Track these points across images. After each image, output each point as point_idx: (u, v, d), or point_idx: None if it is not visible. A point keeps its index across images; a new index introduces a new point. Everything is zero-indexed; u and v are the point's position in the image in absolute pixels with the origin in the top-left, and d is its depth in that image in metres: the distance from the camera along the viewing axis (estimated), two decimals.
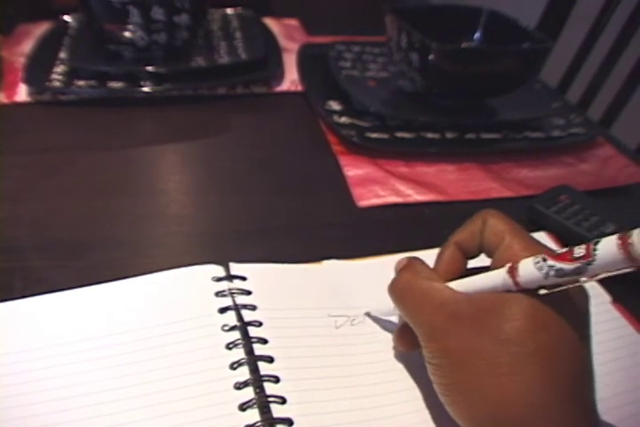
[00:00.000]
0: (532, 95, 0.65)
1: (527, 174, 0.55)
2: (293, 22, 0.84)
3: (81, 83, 0.61)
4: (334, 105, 0.61)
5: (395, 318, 0.36)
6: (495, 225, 0.30)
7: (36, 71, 0.61)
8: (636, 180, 0.55)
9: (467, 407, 0.27)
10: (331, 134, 0.57)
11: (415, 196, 0.50)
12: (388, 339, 0.35)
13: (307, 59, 0.69)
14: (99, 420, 0.29)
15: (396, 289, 0.31)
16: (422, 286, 0.29)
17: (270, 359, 0.32)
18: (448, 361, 0.27)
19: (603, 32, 0.92)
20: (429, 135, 0.57)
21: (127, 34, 0.60)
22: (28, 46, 0.67)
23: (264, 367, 0.32)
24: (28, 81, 0.59)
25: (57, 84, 0.60)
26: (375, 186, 0.50)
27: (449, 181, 0.52)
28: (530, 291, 0.26)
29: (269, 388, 0.31)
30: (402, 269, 0.31)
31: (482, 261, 0.31)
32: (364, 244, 0.44)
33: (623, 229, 0.22)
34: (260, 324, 0.34)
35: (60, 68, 0.63)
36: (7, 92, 0.60)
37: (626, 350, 0.36)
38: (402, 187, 0.51)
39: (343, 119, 0.58)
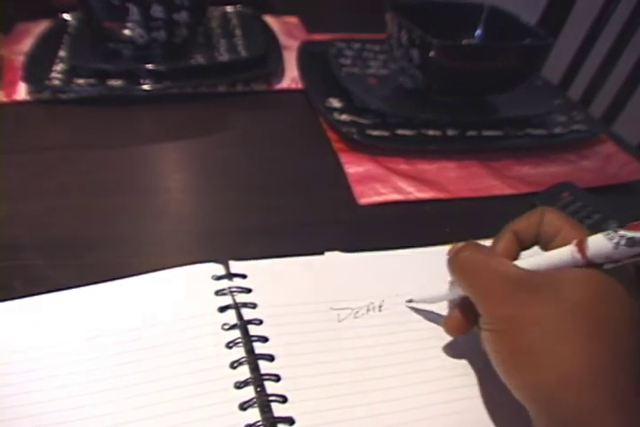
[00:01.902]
0: (534, 92, 0.64)
1: (528, 172, 0.54)
2: (293, 20, 0.84)
3: (80, 81, 0.60)
4: (335, 102, 0.60)
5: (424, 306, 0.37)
6: (554, 218, 0.31)
7: (36, 70, 0.61)
8: (638, 177, 0.55)
9: (528, 373, 0.27)
10: (331, 132, 0.57)
11: (416, 193, 0.50)
12: (395, 331, 0.35)
13: (307, 56, 0.69)
14: (99, 419, 0.29)
15: (457, 262, 0.31)
16: (484, 259, 0.30)
17: (271, 358, 0.32)
18: (512, 327, 0.27)
19: (604, 28, 0.92)
20: (430, 132, 0.57)
21: (126, 32, 0.60)
22: (27, 45, 0.66)
23: (264, 366, 0.32)
24: (27, 79, 0.59)
25: (56, 82, 0.60)
26: (376, 183, 0.50)
27: (450, 178, 0.52)
28: (596, 266, 0.27)
29: (270, 387, 0.31)
30: (461, 247, 0.31)
31: None
32: (365, 241, 0.43)
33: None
34: (261, 322, 0.34)
35: (59, 67, 0.63)
36: (7, 90, 0.60)
37: None
38: (402, 184, 0.50)
39: (344, 117, 0.58)
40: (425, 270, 0.39)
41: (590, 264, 0.27)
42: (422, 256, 0.41)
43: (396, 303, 0.37)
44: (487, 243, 0.33)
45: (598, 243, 0.26)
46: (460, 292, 0.32)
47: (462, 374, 0.33)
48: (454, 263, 0.31)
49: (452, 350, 0.34)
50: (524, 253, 0.32)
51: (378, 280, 0.38)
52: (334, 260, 0.40)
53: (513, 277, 0.28)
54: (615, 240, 0.25)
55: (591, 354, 0.25)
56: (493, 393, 0.32)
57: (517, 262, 0.30)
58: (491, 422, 0.31)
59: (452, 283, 0.33)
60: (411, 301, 0.37)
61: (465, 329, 0.32)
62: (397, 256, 0.41)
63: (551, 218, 0.31)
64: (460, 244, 0.32)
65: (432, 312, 0.37)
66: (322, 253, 0.40)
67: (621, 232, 0.25)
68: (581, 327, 0.26)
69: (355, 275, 0.39)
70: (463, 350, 0.34)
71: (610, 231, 0.26)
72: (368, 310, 0.36)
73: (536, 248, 0.32)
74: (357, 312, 0.36)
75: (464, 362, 0.34)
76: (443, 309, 0.36)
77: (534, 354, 0.26)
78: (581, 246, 0.27)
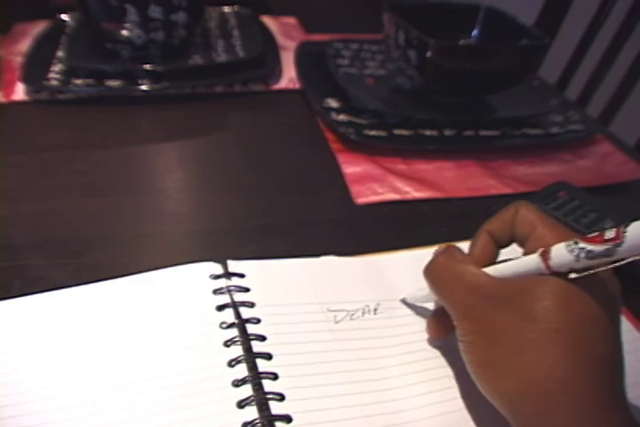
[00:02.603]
0: (531, 92, 0.65)
1: (525, 171, 0.55)
2: (291, 20, 0.84)
3: (78, 81, 0.60)
4: (332, 102, 0.60)
5: (427, 305, 0.37)
6: (527, 215, 0.30)
7: (34, 70, 0.61)
8: (634, 176, 0.55)
9: (497, 382, 0.27)
10: (329, 132, 0.57)
11: (413, 193, 0.50)
12: (389, 334, 0.35)
13: (305, 56, 0.69)
14: (97, 417, 0.29)
15: (432, 271, 0.32)
16: (457, 269, 0.30)
17: (269, 356, 0.32)
18: (479, 339, 0.28)
19: (601, 29, 0.92)
20: (427, 132, 0.57)
21: (124, 32, 0.60)
22: (25, 45, 0.66)
23: (262, 365, 0.32)
24: (25, 80, 0.59)
25: (55, 82, 0.60)
26: (373, 183, 0.50)
27: (447, 178, 0.52)
28: (561, 275, 0.27)
29: (268, 385, 0.31)
30: (438, 254, 0.32)
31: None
32: (363, 241, 0.44)
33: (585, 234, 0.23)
34: (259, 321, 0.34)
35: (57, 67, 0.63)
36: (5, 90, 0.60)
37: (625, 347, 0.36)
38: (400, 184, 0.51)
39: (341, 117, 0.58)
40: (419, 272, 0.40)
41: (555, 273, 0.27)
42: (418, 258, 0.41)
43: (391, 307, 0.37)
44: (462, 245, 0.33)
45: (560, 254, 0.26)
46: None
47: (456, 375, 0.33)
48: (427, 273, 0.32)
49: (446, 353, 0.35)
50: (504, 251, 0.32)
51: (374, 284, 0.39)
52: (331, 262, 0.40)
53: (481, 289, 0.29)
54: (575, 253, 0.25)
55: (551, 364, 0.26)
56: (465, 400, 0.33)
57: (487, 269, 0.30)
58: (485, 421, 0.31)
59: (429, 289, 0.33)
60: (404, 299, 0.38)
61: (443, 333, 0.33)
62: (393, 260, 0.41)
63: (525, 215, 0.30)
64: (439, 247, 0.33)
65: (427, 314, 0.37)
66: (319, 253, 0.40)
67: (581, 245, 0.25)
68: (541, 337, 0.26)
69: (351, 278, 0.39)
70: (457, 352, 0.35)
71: (571, 243, 0.26)
72: (364, 313, 0.36)
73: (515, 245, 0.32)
74: (353, 314, 0.36)
75: (458, 363, 0.34)
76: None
77: (498, 365, 0.27)
78: (545, 257, 0.27)
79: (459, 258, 0.31)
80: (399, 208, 0.48)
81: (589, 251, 0.25)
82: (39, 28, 0.71)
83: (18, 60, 0.63)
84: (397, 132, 0.57)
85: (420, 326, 0.36)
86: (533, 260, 0.28)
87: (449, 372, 0.34)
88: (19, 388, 0.30)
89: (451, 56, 0.54)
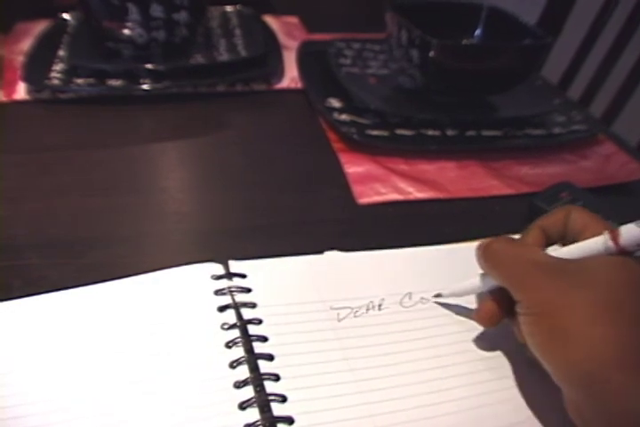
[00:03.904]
0: (533, 92, 0.64)
1: (528, 172, 0.54)
2: (293, 20, 0.84)
3: (80, 81, 0.60)
4: (334, 102, 0.60)
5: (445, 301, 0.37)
6: (580, 215, 0.32)
7: (35, 69, 0.61)
8: (637, 177, 0.55)
9: (565, 352, 0.27)
10: (331, 132, 0.57)
11: (415, 193, 0.50)
12: (395, 330, 0.35)
13: (307, 56, 0.69)
14: (99, 418, 0.29)
15: (490, 254, 0.32)
16: (516, 249, 0.31)
17: (270, 357, 0.32)
18: (547, 310, 0.28)
19: (604, 28, 0.92)
20: (430, 132, 0.57)
21: (126, 31, 0.60)
22: (27, 44, 0.66)
23: (264, 365, 0.32)
24: (27, 79, 0.59)
25: (56, 82, 0.60)
26: (375, 183, 0.50)
27: (449, 178, 0.52)
28: (628, 254, 0.28)
29: (270, 386, 0.31)
30: (492, 241, 0.32)
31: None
32: (365, 241, 0.43)
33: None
34: (260, 321, 0.34)
35: (59, 67, 0.63)
36: (6, 90, 0.60)
37: None
38: (402, 184, 0.50)
39: (343, 116, 0.58)
40: (424, 269, 0.40)
41: (622, 252, 0.28)
42: (422, 255, 0.41)
43: (395, 302, 0.37)
44: None
45: (631, 231, 0.28)
46: (492, 283, 0.33)
47: (460, 374, 0.33)
48: (487, 255, 0.32)
49: (451, 350, 0.34)
50: (548, 250, 0.32)
51: (377, 279, 0.38)
52: (334, 259, 0.40)
53: (546, 264, 0.29)
54: None
55: (619, 337, 0.26)
56: (492, 394, 0.32)
57: (549, 251, 0.31)
58: (496, 419, 0.31)
59: (482, 275, 0.34)
60: (439, 295, 0.37)
61: (498, 319, 0.33)
62: (397, 255, 0.41)
63: (578, 215, 0.32)
64: (489, 239, 0.33)
65: (434, 310, 0.37)
66: (321, 252, 0.40)
67: None
68: (612, 312, 0.27)
69: (354, 274, 0.39)
70: (461, 349, 0.35)
71: None
72: (368, 309, 0.36)
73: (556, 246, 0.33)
74: (357, 311, 0.36)
75: (462, 362, 0.34)
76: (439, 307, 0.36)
77: (566, 336, 0.27)
78: (614, 234, 0.28)
79: (516, 241, 0.32)
80: (401, 208, 0.48)
81: None
82: (41, 27, 0.70)
83: (19, 60, 0.63)
84: (399, 131, 0.57)
85: (427, 321, 0.36)
86: (600, 240, 0.29)
87: (455, 371, 0.33)
88: (20, 389, 0.30)
89: (453, 56, 0.54)
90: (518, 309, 0.30)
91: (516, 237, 0.34)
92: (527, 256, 0.30)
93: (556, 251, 0.31)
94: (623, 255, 0.28)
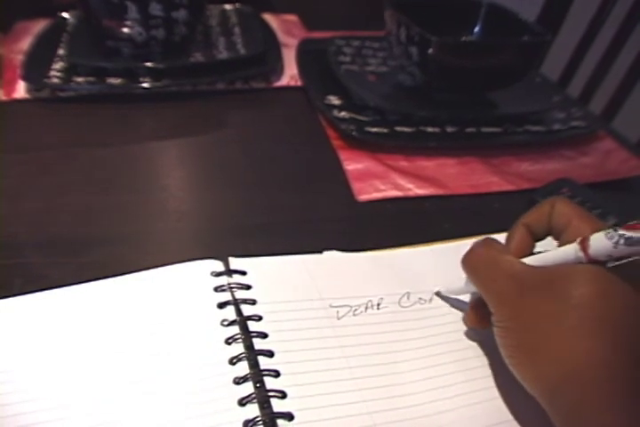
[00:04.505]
0: (533, 89, 0.64)
1: (528, 168, 0.54)
2: (292, 18, 0.84)
3: (79, 79, 0.60)
4: (334, 100, 0.60)
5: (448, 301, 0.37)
6: (564, 208, 0.31)
7: (35, 68, 0.61)
8: (636, 173, 0.55)
9: (532, 367, 0.28)
10: (330, 129, 0.57)
11: (415, 190, 0.50)
12: (393, 329, 0.35)
13: (306, 54, 0.69)
14: (99, 416, 0.29)
15: (470, 260, 0.32)
16: (495, 258, 0.31)
17: (270, 354, 0.32)
18: (517, 324, 0.28)
19: (603, 25, 0.92)
20: (429, 129, 0.57)
21: (125, 30, 0.60)
22: (26, 43, 0.66)
23: (264, 362, 0.32)
24: (26, 78, 0.59)
25: (55, 80, 0.60)
26: (375, 180, 0.50)
27: (449, 174, 0.52)
28: (599, 263, 0.27)
29: (269, 382, 0.31)
30: (476, 244, 0.33)
31: None
32: (365, 238, 0.43)
33: (625, 222, 0.23)
34: (260, 318, 0.34)
35: (58, 65, 0.63)
36: (6, 89, 0.60)
37: None
38: (402, 181, 0.50)
39: (343, 114, 0.58)
40: (423, 269, 0.40)
41: (593, 262, 0.27)
42: (421, 255, 0.41)
43: (394, 302, 0.37)
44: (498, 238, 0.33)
45: (599, 241, 0.27)
46: (473, 287, 0.33)
47: (459, 371, 0.33)
48: (466, 262, 0.33)
49: (449, 348, 0.35)
50: (540, 244, 0.33)
51: (376, 279, 0.38)
52: (333, 258, 0.40)
53: (518, 276, 0.29)
54: (614, 239, 0.26)
55: (595, 351, 0.26)
56: (489, 391, 0.33)
57: (525, 259, 0.30)
58: (491, 418, 0.31)
59: (467, 279, 0.34)
60: (438, 293, 0.38)
61: (482, 324, 0.33)
62: (396, 255, 0.41)
63: (561, 209, 0.31)
64: (477, 240, 0.33)
65: (432, 310, 0.37)
66: (321, 251, 0.40)
67: (620, 231, 0.26)
68: (582, 324, 0.26)
69: (353, 273, 0.39)
70: (460, 348, 0.35)
71: (610, 230, 0.26)
72: (367, 308, 0.36)
73: (551, 238, 0.33)
74: (356, 310, 0.36)
75: (462, 360, 0.34)
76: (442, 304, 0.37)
77: (537, 350, 0.27)
78: (584, 245, 0.27)
79: (497, 248, 0.32)
80: (401, 205, 0.48)
81: (628, 237, 0.25)
82: (40, 26, 0.70)
83: (19, 58, 0.63)
84: (399, 129, 0.57)
85: (425, 321, 0.36)
86: (572, 248, 0.28)
87: (456, 368, 0.34)
88: (19, 386, 0.30)
89: (452, 53, 0.54)
90: (492, 320, 0.30)
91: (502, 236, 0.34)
92: (501, 266, 0.30)
93: (531, 258, 0.31)
94: (595, 264, 0.28)
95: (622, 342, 0.26)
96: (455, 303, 0.37)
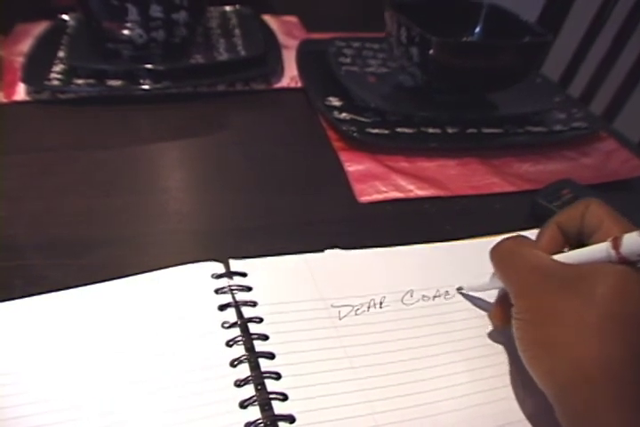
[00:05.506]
0: (534, 90, 0.64)
1: (529, 169, 0.54)
2: (292, 19, 0.84)
3: (80, 81, 0.60)
4: (334, 101, 0.60)
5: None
6: (597, 210, 0.31)
7: (35, 70, 0.61)
8: (638, 173, 0.54)
9: (546, 361, 0.28)
10: (331, 130, 0.57)
11: (416, 191, 0.50)
12: (395, 328, 0.35)
13: (306, 55, 0.69)
14: (100, 418, 0.29)
15: (497, 251, 0.32)
16: (523, 251, 0.31)
17: (271, 356, 0.32)
18: (536, 317, 0.28)
19: (604, 26, 0.92)
20: (430, 130, 0.57)
21: (125, 32, 0.60)
22: (26, 45, 0.66)
23: (265, 364, 0.32)
24: (26, 80, 0.59)
25: (56, 82, 0.60)
26: (376, 181, 0.50)
27: (450, 176, 0.52)
28: (630, 263, 0.27)
29: (271, 384, 0.31)
30: (503, 239, 0.33)
31: None
32: (366, 239, 0.43)
33: None
34: (261, 320, 0.34)
35: (58, 67, 0.63)
36: (6, 91, 0.60)
37: None
38: (403, 182, 0.50)
39: (343, 115, 0.58)
40: (426, 267, 0.40)
41: (624, 261, 0.27)
42: (423, 252, 0.41)
43: (397, 300, 0.37)
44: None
45: (632, 240, 0.27)
46: (498, 282, 0.33)
47: (465, 371, 0.33)
48: (493, 253, 0.33)
49: (454, 347, 0.34)
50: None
51: (378, 277, 0.38)
52: (334, 257, 0.40)
53: (543, 268, 0.29)
54: None
55: (606, 350, 0.26)
56: (493, 392, 0.32)
57: (555, 256, 0.30)
58: (497, 418, 0.31)
59: (493, 274, 0.34)
60: (460, 288, 0.38)
61: (508, 321, 0.33)
62: (398, 253, 0.41)
63: (595, 210, 0.31)
64: (506, 236, 0.33)
65: (435, 307, 0.37)
66: (322, 251, 0.40)
67: None
68: (600, 323, 0.26)
69: (355, 272, 0.39)
70: (465, 347, 0.34)
71: None
72: (369, 307, 0.36)
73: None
74: (358, 309, 0.36)
75: (467, 359, 0.34)
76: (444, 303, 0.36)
77: (552, 345, 0.27)
78: (616, 243, 0.27)
79: (526, 242, 0.32)
80: (402, 206, 0.48)
81: None
82: (40, 28, 0.70)
83: (19, 61, 0.63)
84: (400, 130, 0.57)
85: (428, 319, 0.36)
86: (603, 247, 0.28)
87: (462, 368, 0.33)
88: (21, 389, 0.30)
89: (453, 53, 0.54)
90: (512, 312, 0.30)
91: (525, 233, 0.34)
92: (527, 258, 0.30)
93: (561, 255, 0.30)
94: (625, 264, 0.27)
95: (635, 343, 0.26)
96: (474, 301, 0.37)
